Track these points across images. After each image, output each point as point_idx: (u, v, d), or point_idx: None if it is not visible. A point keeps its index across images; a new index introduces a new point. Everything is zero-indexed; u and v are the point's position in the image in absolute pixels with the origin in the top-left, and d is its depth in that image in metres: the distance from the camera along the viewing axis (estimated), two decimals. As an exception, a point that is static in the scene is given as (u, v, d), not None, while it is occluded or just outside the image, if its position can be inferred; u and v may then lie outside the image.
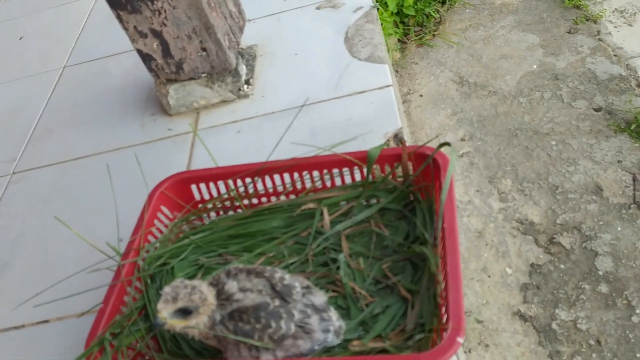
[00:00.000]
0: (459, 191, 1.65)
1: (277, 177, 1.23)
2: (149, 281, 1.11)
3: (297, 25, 1.96)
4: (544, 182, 1.62)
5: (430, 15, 2.32)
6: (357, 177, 1.21)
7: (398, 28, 2.31)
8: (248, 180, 1.23)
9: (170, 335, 1.05)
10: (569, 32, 2.08)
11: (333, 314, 0.99)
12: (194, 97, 1.73)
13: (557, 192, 1.58)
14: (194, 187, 1.27)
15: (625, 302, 1.34)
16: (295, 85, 1.73)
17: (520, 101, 1.88)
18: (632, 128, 1.66)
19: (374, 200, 1.21)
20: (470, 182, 1.68)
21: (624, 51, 1.94)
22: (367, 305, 1.05)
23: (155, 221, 1.21)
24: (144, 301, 1.09)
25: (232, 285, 0.97)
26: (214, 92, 1.72)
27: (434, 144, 1.15)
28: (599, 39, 2.02)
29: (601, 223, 1.49)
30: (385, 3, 2.21)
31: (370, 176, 1.18)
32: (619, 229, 1.47)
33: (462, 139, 1.82)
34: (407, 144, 1.15)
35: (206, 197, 1.28)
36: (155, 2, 1.52)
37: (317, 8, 2.00)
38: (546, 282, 1.42)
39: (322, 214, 1.19)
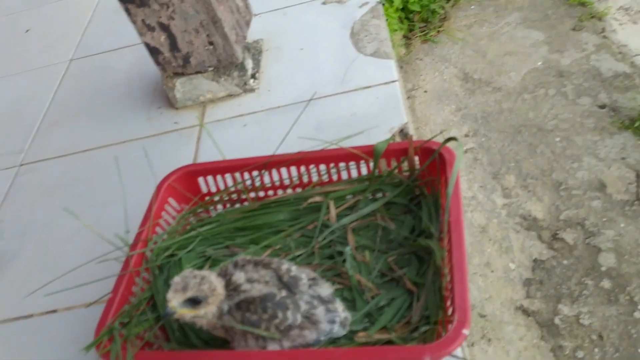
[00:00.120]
0: (462, 187, 1.66)
1: (283, 170, 1.24)
2: (156, 272, 1.13)
3: (303, 20, 1.97)
4: (548, 178, 1.63)
5: (435, 11, 2.32)
6: (364, 171, 1.23)
7: (403, 24, 2.31)
8: (255, 173, 1.24)
9: (178, 325, 1.07)
10: (573, 30, 2.08)
11: (339, 306, 1.00)
12: (200, 90, 1.74)
13: (561, 188, 1.59)
14: (201, 179, 1.28)
15: (627, 298, 1.35)
16: (301, 79, 1.74)
17: (524, 98, 1.88)
18: (636, 125, 1.67)
19: (379, 194, 1.22)
20: (474, 178, 1.69)
21: (629, 49, 1.95)
22: (372, 297, 1.06)
23: (163, 213, 1.22)
24: (152, 292, 1.10)
25: (239, 276, 0.98)
26: (220, 86, 1.73)
27: (439, 140, 1.16)
28: (604, 37, 2.02)
29: (604, 219, 1.50)
30: (391, -1, 2.22)
31: (377, 170, 1.19)
32: (622, 225, 1.47)
33: (466, 135, 1.82)
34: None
35: (213, 189, 1.29)
36: (163, -4, 1.53)
37: (323, 3, 2.01)
38: (549, 277, 1.43)
39: (328, 207, 1.20)
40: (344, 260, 1.12)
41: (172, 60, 1.67)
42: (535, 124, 1.78)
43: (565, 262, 1.44)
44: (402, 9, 2.31)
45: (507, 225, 1.55)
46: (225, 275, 0.99)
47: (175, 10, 1.56)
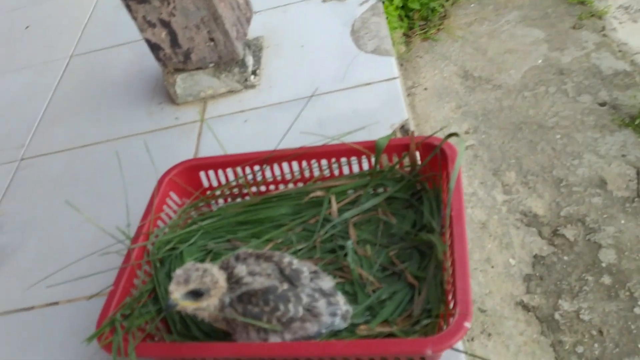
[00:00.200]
0: (463, 183, 1.66)
1: (285, 165, 1.24)
2: (158, 265, 1.13)
3: (304, 18, 1.97)
4: (548, 175, 1.63)
5: (435, 9, 2.33)
6: (365, 166, 1.23)
7: (403, 22, 2.32)
8: (256, 167, 1.25)
9: (180, 318, 1.07)
10: (573, 28, 2.09)
11: (340, 299, 1.00)
12: (201, 86, 1.74)
13: (562, 185, 1.60)
14: (202, 174, 1.28)
15: (627, 293, 1.35)
16: (301, 76, 1.74)
17: (525, 95, 1.89)
18: (636, 123, 1.68)
19: (381, 189, 1.22)
20: (474, 175, 1.70)
21: (629, 47, 1.95)
22: (374, 291, 1.06)
23: (164, 207, 1.22)
24: (153, 284, 1.10)
25: (241, 269, 0.99)
26: (221, 82, 1.73)
27: (439, 136, 1.16)
28: (604, 35, 2.03)
29: (605, 216, 1.50)
30: (391, -4, 2.22)
31: (378, 165, 1.19)
32: (623, 222, 1.48)
33: (467, 132, 1.83)
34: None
35: (215, 184, 1.29)
36: (164, -9, 1.53)
37: (323, 1, 2.01)
38: (549, 273, 1.43)
39: (330, 201, 1.20)
40: (346, 254, 1.12)
41: (172, 56, 1.67)
42: (536, 121, 1.79)
43: (565, 258, 1.45)
44: (402, 7, 2.31)
45: (507, 221, 1.56)
46: (227, 268, 1.00)
47: (176, 6, 1.56)
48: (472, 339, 1.34)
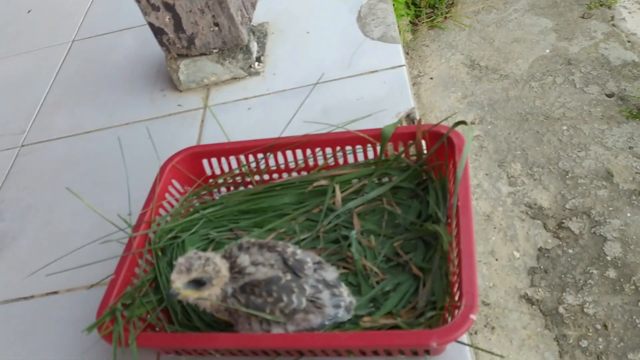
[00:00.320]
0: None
1: (289, 153, 1.23)
2: (159, 254, 1.11)
3: (309, 4, 1.95)
4: (554, 167, 1.61)
5: (443, -3, 2.30)
6: (370, 155, 1.21)
7: (410, 10, 2.29)
8: (260, 156, 1.23)
9: (181, 308, 1.06)
10: (582, 17, 2.06)
11: (344, 290, 0.99)
12: (204, 73, 1.72)
13: (567, 177, 1.58)
14: (205, 161, 1.26)
15: (633, 287, 1.34)
16: (306, 63, 1.72)
17: (531, 85, 1.86)
18: (644, 115, 1.66)
19: (386, 179, 1.20)
20: (479, 166, 1.68)
21: (638, 37, 1.92)
22: (378, 282, 1.05)
23: (166, 195, 1.21)
24: (155, 273, 1.09)
25: (244, 259, 0.97)
26: (224, 69, 1.71)
27: (446, 125, 1.14)
28: (613, 25, 2.00)
29: (611, 209, 1.48)
30: (398, -16, 2.19)
31: (384, 154, 1.17)
32: (629, 215, 1.46)
33: (472, 122, 1.81)
34: (420, 124, 1.14)
35: (217, 172, 1.27)
36: (168, -25, 1.51)
37: (329, -14, 1.98)
38: (554, 266, 1.41)
39: (334, 191, 1.19)
40: (349, 245, 1.10)
41: (176, 41, 1.65)
42: (542, 112, 1.77)
43: (570, 251, 1.43)
44: (409, -5, 2.28)
45: (512, 213, 1.54)
46: (229, 257, 0.98)
47: (180, -10, 1.54)
48: (476, 332, 1.33)
